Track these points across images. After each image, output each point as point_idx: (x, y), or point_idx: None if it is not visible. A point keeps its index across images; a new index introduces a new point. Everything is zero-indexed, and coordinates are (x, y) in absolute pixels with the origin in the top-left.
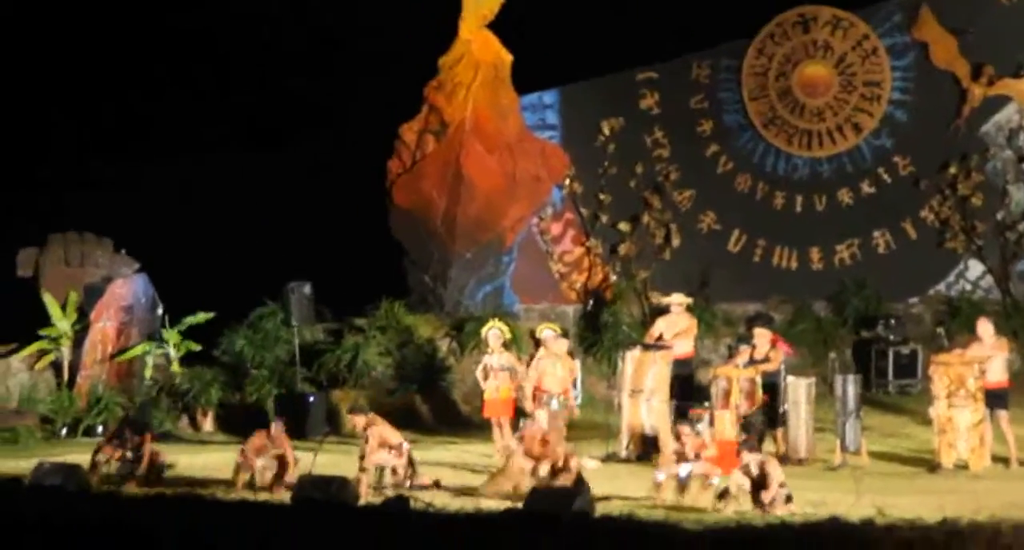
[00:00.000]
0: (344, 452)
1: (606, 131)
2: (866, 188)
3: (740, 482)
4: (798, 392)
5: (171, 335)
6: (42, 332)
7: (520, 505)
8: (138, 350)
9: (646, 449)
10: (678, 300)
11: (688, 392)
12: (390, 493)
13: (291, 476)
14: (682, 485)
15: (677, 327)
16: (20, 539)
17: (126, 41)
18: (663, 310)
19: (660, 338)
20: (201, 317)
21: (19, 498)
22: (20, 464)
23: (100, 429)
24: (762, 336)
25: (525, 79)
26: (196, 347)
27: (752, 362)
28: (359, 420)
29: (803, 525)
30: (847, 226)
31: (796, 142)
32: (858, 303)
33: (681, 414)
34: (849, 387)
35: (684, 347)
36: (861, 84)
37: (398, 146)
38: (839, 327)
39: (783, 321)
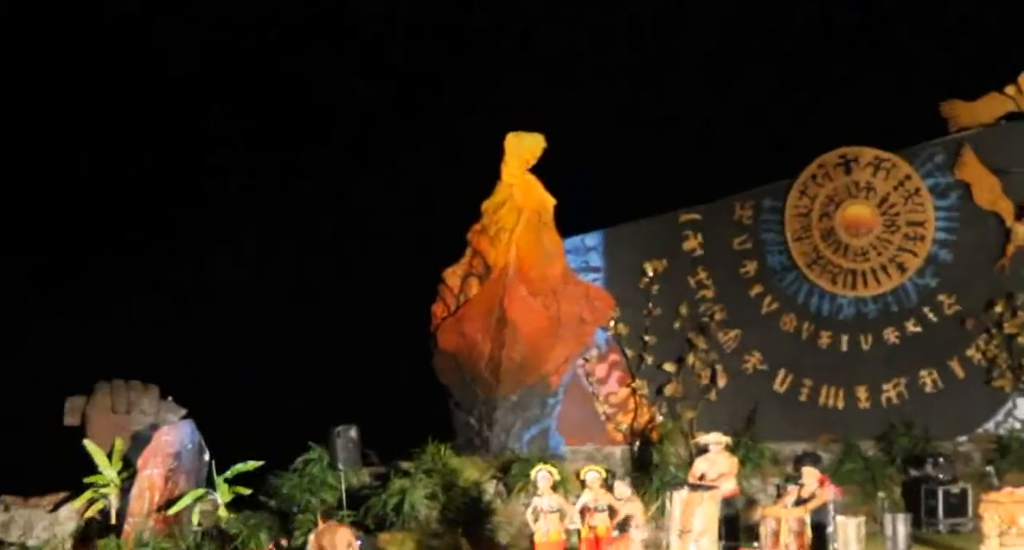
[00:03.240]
0: None
1: (650, 272)
2: (912, 327)
3: None
4: (848, 532)
5: (219, 481)
6: (89, 480)
7: None
8: (187, 499)
9: None
10: (716, 439)
11: (734, 532)
12: None
13: None
14: None
15: (718, 467)
16: None
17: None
18: (704, 450)
19: (703, 478)
20: (250, 465)
21: None
22: None
23: None
24: (810, 475)
25: (568, 221)
26: (245, 492)
27: (800, 501)
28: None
29: None
30: (894, 365)
31: (840, 282)
32: (906, 442)
33: None
34: (899, 526)
35: (727, 486)
36: (904, 224)
37: (442, 290)
38: (887, 466)
39: (831, 460)
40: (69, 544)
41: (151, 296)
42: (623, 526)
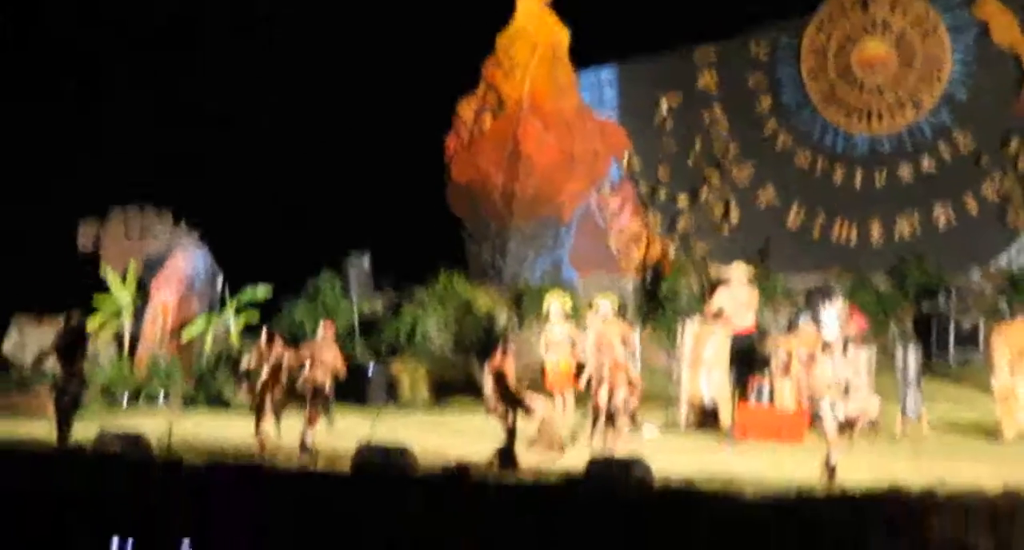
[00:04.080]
0: (403, 421)
1: (664, 108)
2: (926, 164)
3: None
4: (858, 362)
5: (231, 306)
6: (103, 304)
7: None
8: (199, 325)
9: (705, 419)
10: (739, 271)
11: (749, 363)
12: None
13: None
14: None
15: (738, 299)
16: (82, 503)
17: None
18: (724, 282)
19: (721, 310)
20: (261, 292)
21: (83, 466)
22: (81, 432)
23: (161, 398)
24: (830, 307)
25: (583, 56)
26: (255, 318)
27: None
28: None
29: (863, 495)
30: (907, 201)
31: (856, 119)
32: (919, 276)
33: (741, 385)
34: (910, 357)
35: (746, 319)
36: (921, 62)
37: (456, 122)
38: (900, 299)
39: (843, 293)
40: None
41: (166, 121)
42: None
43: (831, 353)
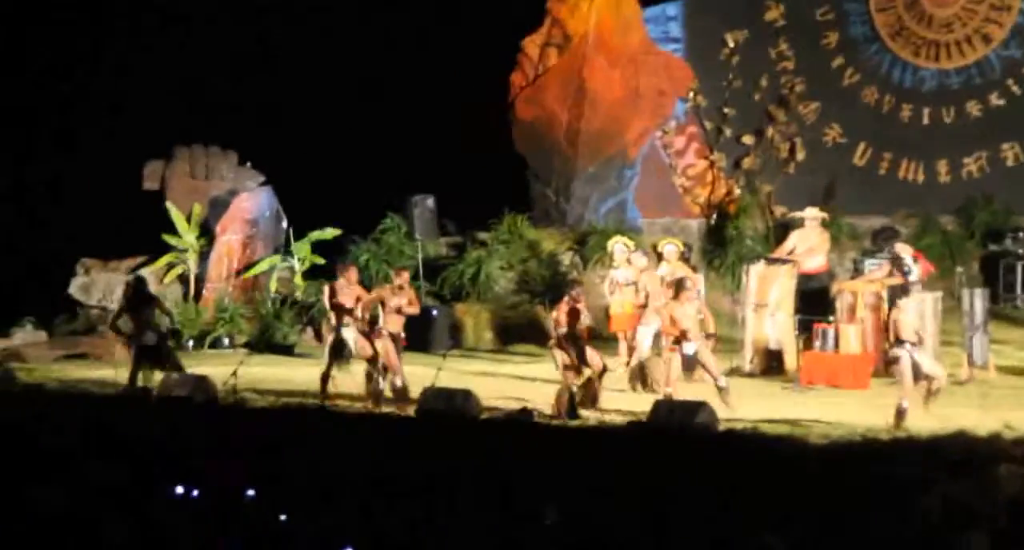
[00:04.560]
0: (468, 365)
1: (730, 44)
2: (995, 100)
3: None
4: (925, 307)
5: (297, 249)
6: (168, 241)
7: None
8: (264, 265)
9: (770, 363)
10: (813, 214)
11: (819, 306)
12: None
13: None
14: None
15: (809, 241)
16: (148, 447)
17: None
18: (789, 224)
19: (792, 252)
20: (328, 233)
21: (149, 409)
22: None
23: (226, 341)
24: (903, 251)
25: None
26: (321, 261)
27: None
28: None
29: (930, 439)
30: (975, 139)
31: (924, 53)
32: (986, 216)
33: (806, 328)
34: (976, 301)
35: (816, 262)
36: None
37: (521, 59)
38: (966, 241)
39: (909, 235)
40: None
41: (231, 62)
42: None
43: (913, 297)
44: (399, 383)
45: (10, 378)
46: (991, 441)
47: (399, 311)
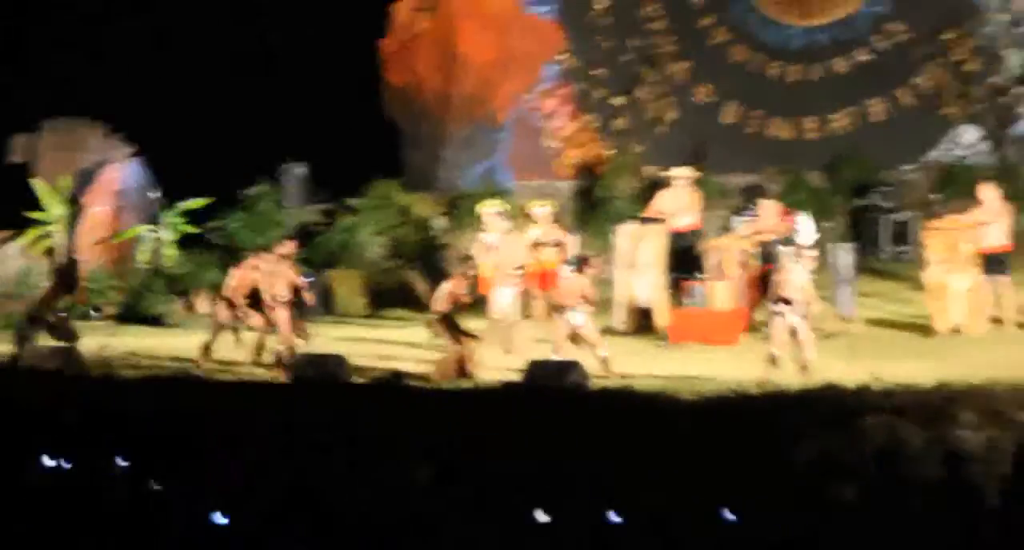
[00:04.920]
0: (340, 330)
1: (600, 4)
2: (861, 56)
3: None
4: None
5: (166, 218)
6: (35, 217)
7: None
8: (132, 232)
9: (641, 322)
10: (682, 173)
11: (690, 265)
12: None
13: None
14: None
15: (680, 201)
16: (17, 423)
17: None
18: (660, 184)
19: (662, 212)
20: (196, 203)
21: (16, 381)
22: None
23: (94, 313)
24: (767, 208)
25: None
26: (191, 230)
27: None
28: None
29: (799, 392)
30: (842, 95)
31: (792, 12)
32: (853, 171)
33: (676, 286)
34: (841, 255)
35: (687, 220)
36: None
37: (391, 24)
38: (834, 196)
39: (778, 191)
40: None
41: (99, 30)
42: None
43: (804, 258)
44: (285, 351)
45: None
46: (859, 393)
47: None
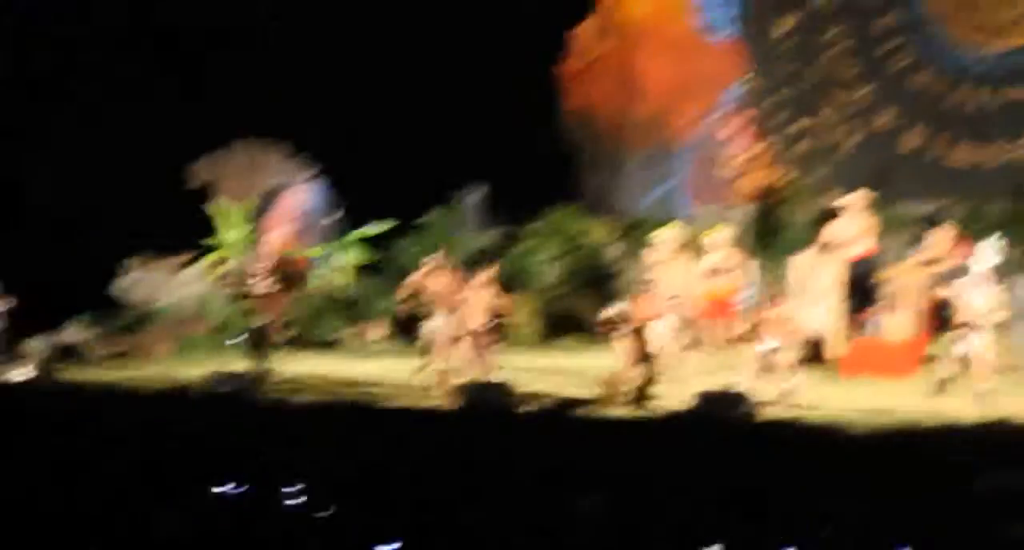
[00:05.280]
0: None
1: (782, 28)
2: None
3: None
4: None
5: (345, 243)
6: (215, 242)
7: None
8: (312, 253)
9: (815, 352)
10: (855, 198)
11: (865, 293)
12: None
13: None
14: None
15: (854, 227)
16: (194, 446)
17: None
18: (840, 210)
19: (837, 238)
20: (377, 228)
21: (193, 407)
22: (193, 372)
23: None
24: (939, 236)
25: None
26: (369, 256)
27: (931, 263)
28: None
29: (973, 425)
30: None
31: (981, 34)
32: None
33: (854, 317)
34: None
35: (862, 247)
36: None
37: (572, 47)
38: (1021, 225)
39: (962, 218)
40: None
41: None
42: None
43: (987, 284)
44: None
45: (56, 376)
46: None
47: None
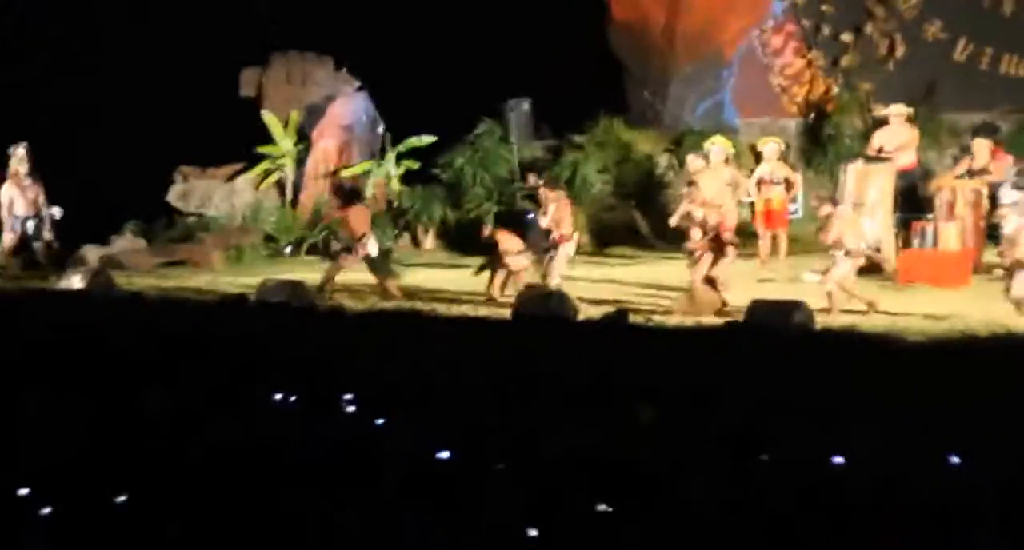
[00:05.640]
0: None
1: None
2: None
3: None
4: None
5: (391, 154)
6: (264, 151)
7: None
8: (359, 169)
9: (869, 262)
10: (897, 110)
11: (912, 204)
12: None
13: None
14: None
15: (898, 139)
16: (246, 353)
17: None
18: (884, 122)
19: (881, 150)
20: (424, 141)
21: (246, 314)
22: (245, 281)
23: (322, 247)
24: (981, 146)
25: None
26: (415, 166)
27: (972, 173)
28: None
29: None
30: None
31: None
32: None
33: (905, 226)
34: None
35: (906, 159)
36: None
37: None
38: None
39: (1010, 130)
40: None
41: None
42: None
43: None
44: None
45: (110, 284)
46: None
47: None
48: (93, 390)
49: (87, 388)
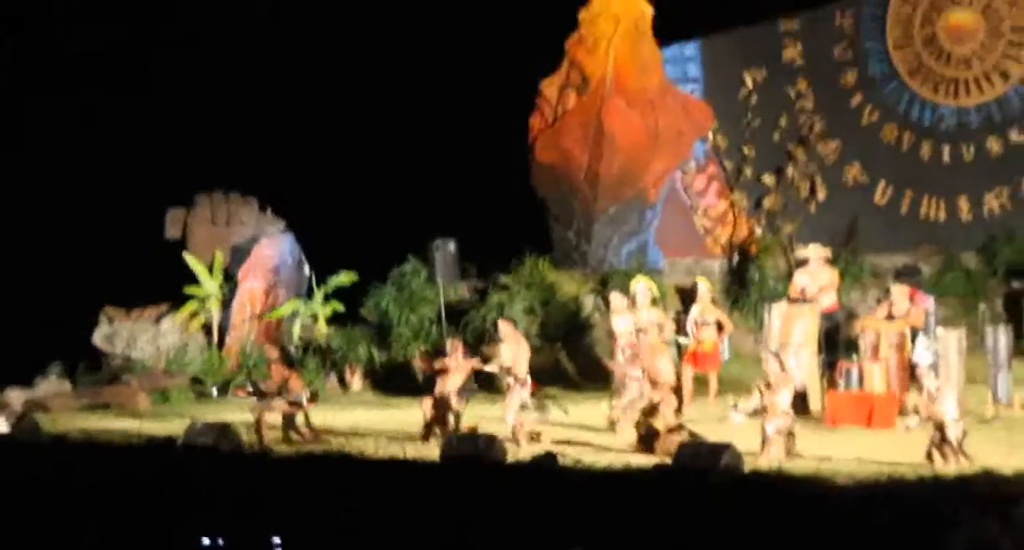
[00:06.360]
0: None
1: (749, 83)
2: (1015, 136)
3: None
4: (948, 344)
5: (318, 295)
6: (190, 292)
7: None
8: (286, 309)
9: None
10: (817, 252)
11: (834, 345)
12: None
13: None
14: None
15: (819, 280)
16: (173, 497)
17: None
18: (804, 263)
19: (803, 291)
20: (346, 278)
21: (173, 457)
22: (171, 425)
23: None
24: (899, 291)
25: (666, 31)
26: (341, 307)
27: (891, 317)
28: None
29: (956, 479)
30: (996, 175)
31: (942, 91)
32: (1009, 253)
33: (830, 367)
34: (1000, 338)
35: (828, 300)
36: (1008, 30)
37: (539, 102)
38: (989, 278)
39: (932, 273)
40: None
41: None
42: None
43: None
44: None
45: (34, 428)
46: (1017, 480)
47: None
48: (20, 534)
49: (13, 531)
